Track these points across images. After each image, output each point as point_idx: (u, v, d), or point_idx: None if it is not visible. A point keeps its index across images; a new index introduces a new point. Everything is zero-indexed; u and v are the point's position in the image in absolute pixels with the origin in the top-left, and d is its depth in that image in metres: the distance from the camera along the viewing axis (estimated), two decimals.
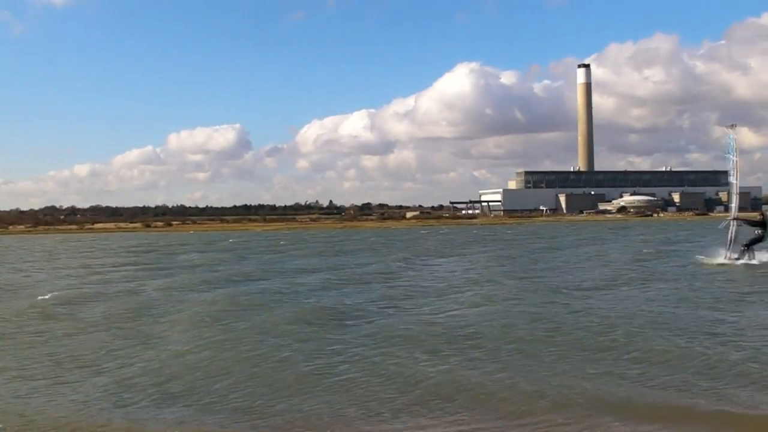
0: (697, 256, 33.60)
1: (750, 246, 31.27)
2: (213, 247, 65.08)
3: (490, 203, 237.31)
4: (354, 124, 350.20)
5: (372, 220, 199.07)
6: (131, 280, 30.76)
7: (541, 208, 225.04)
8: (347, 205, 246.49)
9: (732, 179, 33.08)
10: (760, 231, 31.33)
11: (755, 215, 33.61)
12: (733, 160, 32.80)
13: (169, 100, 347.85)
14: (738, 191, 33.02)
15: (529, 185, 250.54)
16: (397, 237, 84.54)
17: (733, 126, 33.79)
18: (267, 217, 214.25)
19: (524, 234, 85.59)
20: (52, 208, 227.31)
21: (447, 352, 13.27)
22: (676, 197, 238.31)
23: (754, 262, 30.69)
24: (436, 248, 53.35)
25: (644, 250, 41.80)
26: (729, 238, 32.15)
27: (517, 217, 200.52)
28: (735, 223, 32.36)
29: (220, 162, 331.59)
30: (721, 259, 31.72)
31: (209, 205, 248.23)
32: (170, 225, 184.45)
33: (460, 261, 38.04)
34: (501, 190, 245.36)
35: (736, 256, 31.30)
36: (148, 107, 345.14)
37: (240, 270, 34.65)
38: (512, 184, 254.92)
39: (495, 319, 16.54)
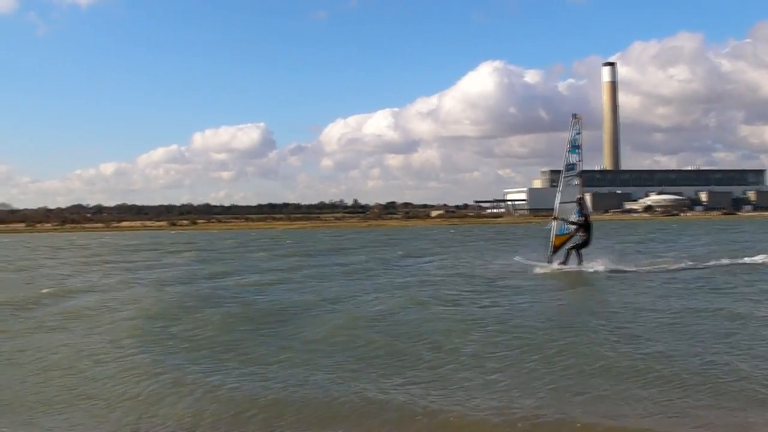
0: (515, 257, 31.49)
1: (577, 250, 28.59)
2: (214, 246, 65.90)
3: (515, 202, 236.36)
4: (378, 123, 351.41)
5: (396, 218, 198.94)
6: (102, 279, 31.18)
7: None
8: (372, 203, 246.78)
9: (567, 175, 29.90)
10: (584, 234, 28.66)
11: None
12: (576, 159, 30.06)
13: (193, 99, 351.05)
14: (564, 189, 29.66)
15: (554, 184, 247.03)
16: (403, 236, 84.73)
17: (576, 117, 30.35)
18: (291, 215, 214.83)
19: (535, 233, 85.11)
20: (79, 206, 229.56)
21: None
22: (703, 196, 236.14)
23: (577, 267, 28.15)
24: (429, 247, 53.75)
25: None
26: (550, 241, 29.25)
27: (543, 215, 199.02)
28: (556, 223, 29.10)
29: (245, 161, 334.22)
30: (542, 264, 29.15)
31: (234, 204, 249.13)
32: (195, 223, 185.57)
33: (438, 260, 38.09)
34: (526, 188, 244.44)
35: (561, 260, 28.70)
36: (173, 106, 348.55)
37: (216, 270, 34.99)
38: (537, 183, 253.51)
39: (403, 324, 16.62)
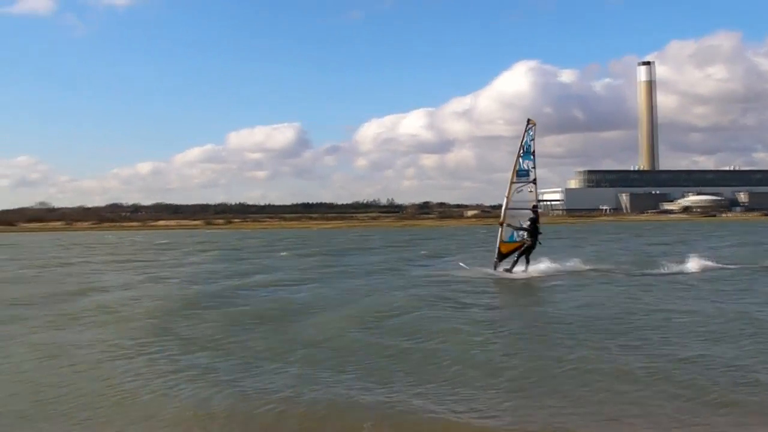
0: (460, 263, 30.68)
1: (525, 256, 27.93)
2: (242, 244, 66.32)
3: (551, 202, 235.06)
4: (412, 123, 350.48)
5: (431, 218, 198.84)
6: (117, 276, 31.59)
7: (602, 207, 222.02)
8: (406, 203, 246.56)
9: (519, 181, 28.87)
10: (528, 238, 27.87)
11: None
12: (529, 165, 29.03)
13: (228, 98, 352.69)
14: (515, 195, 28.65)
15: (590, 184, 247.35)
16: (433, 236, 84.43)
17: (531, 122, 29.34)
18: (326, 215, 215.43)
19: (569, 233, 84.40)
20: (116, 205, 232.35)
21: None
22: (743, 197, 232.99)
23: (522, 271, 27.55)
24: (455, 248, 53.08)
25: None
26: (497, 245, 28.53)
27: (578, 216, 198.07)
28: (502, 229, 28.34)
29: (280, 160, 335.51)
30: (488, 269, 28.48)
31: (269, 204, 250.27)
32: (230, 223, 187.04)
33: (460, 259, 37.58)
34: (561, 189, 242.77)
35: (507, 266, 28.00)
36: (208, 106, 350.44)
37: (237, 269, 35.26)
38: (573, 183, 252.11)
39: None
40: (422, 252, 46.77)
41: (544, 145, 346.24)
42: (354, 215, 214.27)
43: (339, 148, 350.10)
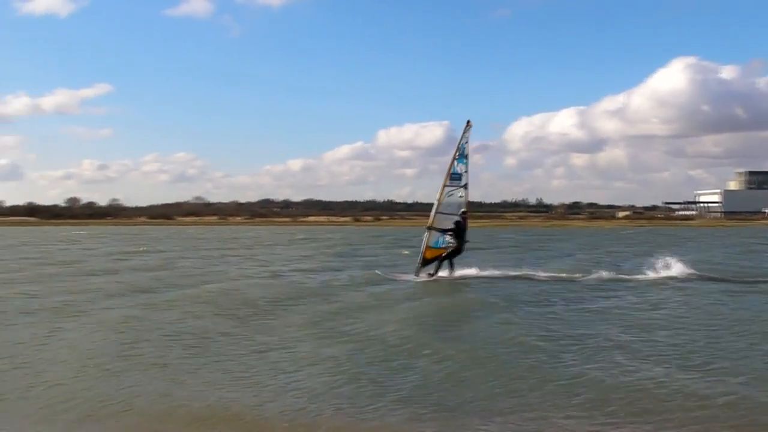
0: (376, 271, 29.51)
1: (449, 259, 26.64)
2: (375, 240, 67.41)
3: (708, 204, 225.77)
4: (563, 122, 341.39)
5: (581, 219, 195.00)
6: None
7: (764, 210, 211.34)
8: (555, 203, 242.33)
9: (451, 185, 27.80)
10: (452, 240, 26.60)
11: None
12: (462, 169, 27.93)
13: (378, 97, 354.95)
14: (447, 200, 27.61)
15: (751, 186, 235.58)
16: (571, 236, 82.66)
17: (469, 123, 28.10)
18: (474, 213, 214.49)
19: (722, 237, 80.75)
20: (267, 201, 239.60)
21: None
22: None
23: (449, 277, 26.32)
24: (574, 250, 52.02)
25: None
26: (421, 249, 27.23)
27: (737, 219, 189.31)
28: (429, 234, 27.12)
29: (428, 158, 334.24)
30: (407, 275, 27.30)
31: (416, 201, 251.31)
32: (379, 219, 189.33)
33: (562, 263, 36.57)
34: (719, 190, 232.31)
35: (431, 271, 26.67)
36: (359, 104, 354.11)
37: (345, 265, 36.18)
38: (732, 185, 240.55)
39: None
40: (552, 253, 45.84)
41: (701, 144, 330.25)
42: (502, 214, 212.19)
43: (487, 146, 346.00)
